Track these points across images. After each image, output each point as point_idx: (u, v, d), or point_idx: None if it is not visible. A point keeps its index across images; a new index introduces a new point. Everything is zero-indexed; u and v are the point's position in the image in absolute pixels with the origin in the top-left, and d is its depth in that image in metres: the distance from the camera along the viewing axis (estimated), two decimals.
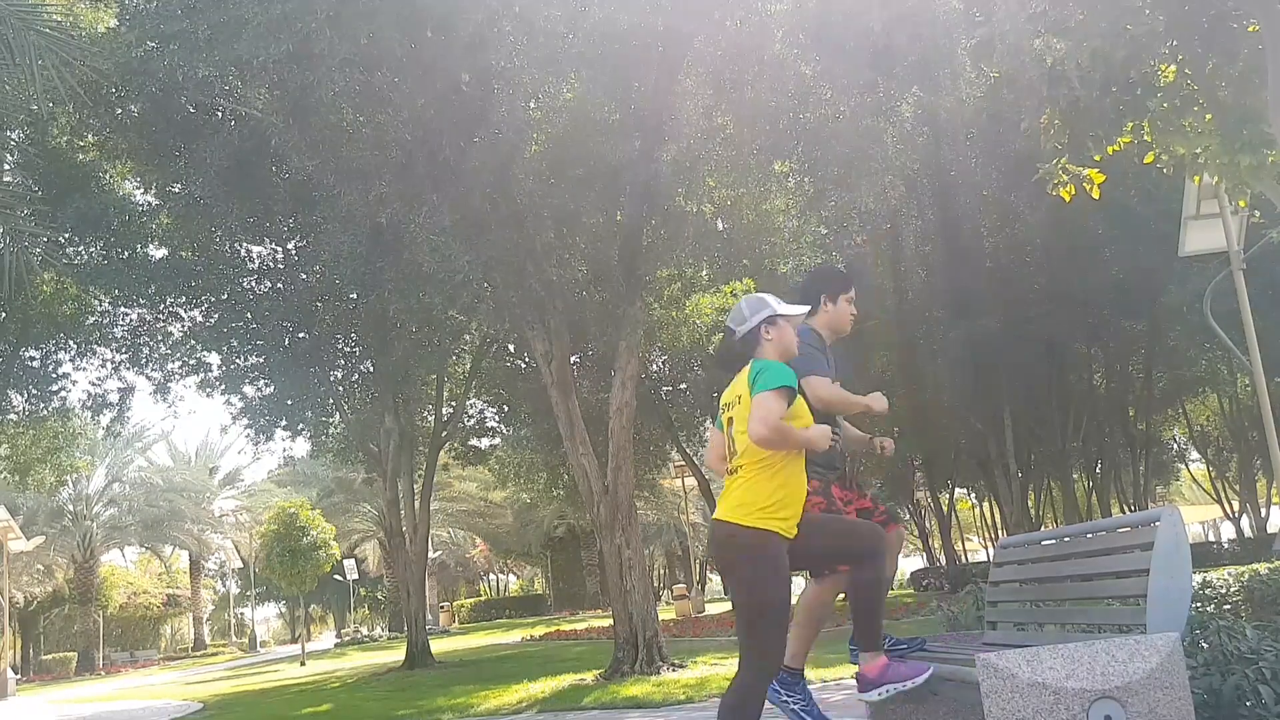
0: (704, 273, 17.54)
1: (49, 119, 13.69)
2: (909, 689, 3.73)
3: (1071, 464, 26.09)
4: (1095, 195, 7.08)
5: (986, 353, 19.61)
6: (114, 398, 16.40)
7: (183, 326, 16.21)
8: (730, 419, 3.78)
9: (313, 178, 11.93)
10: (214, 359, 16.36)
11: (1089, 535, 3.88)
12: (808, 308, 4.08)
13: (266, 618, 69.82)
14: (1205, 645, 3.98)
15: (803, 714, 4.10)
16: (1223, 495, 32.35)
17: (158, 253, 15.34)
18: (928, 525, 37.82)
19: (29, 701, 22.41)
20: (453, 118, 10.60)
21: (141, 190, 15.87)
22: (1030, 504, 25.65)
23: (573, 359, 15.31)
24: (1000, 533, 30.85)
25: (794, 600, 3.86)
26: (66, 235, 14.18)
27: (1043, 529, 23.53)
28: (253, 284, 16.03)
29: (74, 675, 38.72)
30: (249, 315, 15.53)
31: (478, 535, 50.06)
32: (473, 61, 10.61)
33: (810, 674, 8.30)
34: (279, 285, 15.98)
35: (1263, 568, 7.99)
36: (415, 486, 19.03)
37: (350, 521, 44.02)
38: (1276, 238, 10.39)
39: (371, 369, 17.44)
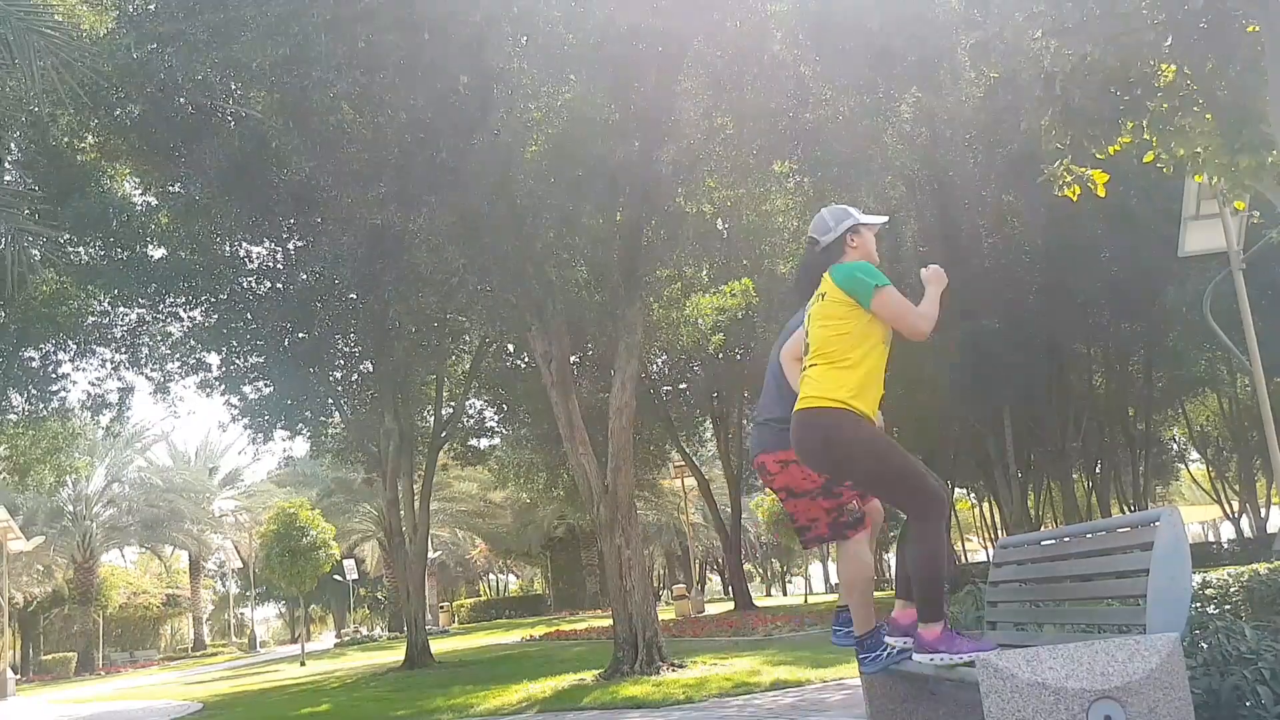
0: (704, 273, 17.56)
1: (49, 119, 13.70)
2: (961, 661, 3.47)
3: (1071, 464, 26.10)
4: (1101, 194, 7.09)
5: (986, 353, 19.62)
6: (113, 398, 16.42)
7: (183, 326, 16.22)
8: (810, 316, 3.86)
9: (312, 179, 11.94)
10: (214, 359, 16.39)
11: (1089, 535, 3.88)
12: (887, 218, 4.23)
13: (266, 618, 69.86)
14: (1205, 645, 3.98)
15: (895, 659, 3.98)
16: (1222, 495, 32.36)
17: (157, 253, 15.35)
18: None
19: (29, 702, 22.41)
20: (451, 119, 10.60)
21: (141, 190, 15.89)
22: (1030, 504, 25.66)
23: (573, 359, 15.32)
24: (1000, 533, 30.86)
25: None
26: (66, 235, 14.19)
27: (1042, 529, 23.53)
28: (253, 284, 16.04)
29: (74, 675, 38.71)
30: (249, 315, 15.54)
31: (477, 535, 50.06)
32: (471, 63, 10.61)
33: (810, 674, 8.32)
34: (279, 285, 15.99)
35: (1263, 568, 7.98)
36: (415, 487, 19.04)
37: (350, 521, 44.00)
38: (1276, 238, 10.40)
39: (371, 369, 17.45)
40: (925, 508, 3.58)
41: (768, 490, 4.50)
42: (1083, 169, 6.91)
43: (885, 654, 3.85)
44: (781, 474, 4.24)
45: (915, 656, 3.56)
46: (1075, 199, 7.24)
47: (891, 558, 63.88)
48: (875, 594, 4.06)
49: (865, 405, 3.65)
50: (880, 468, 3.60)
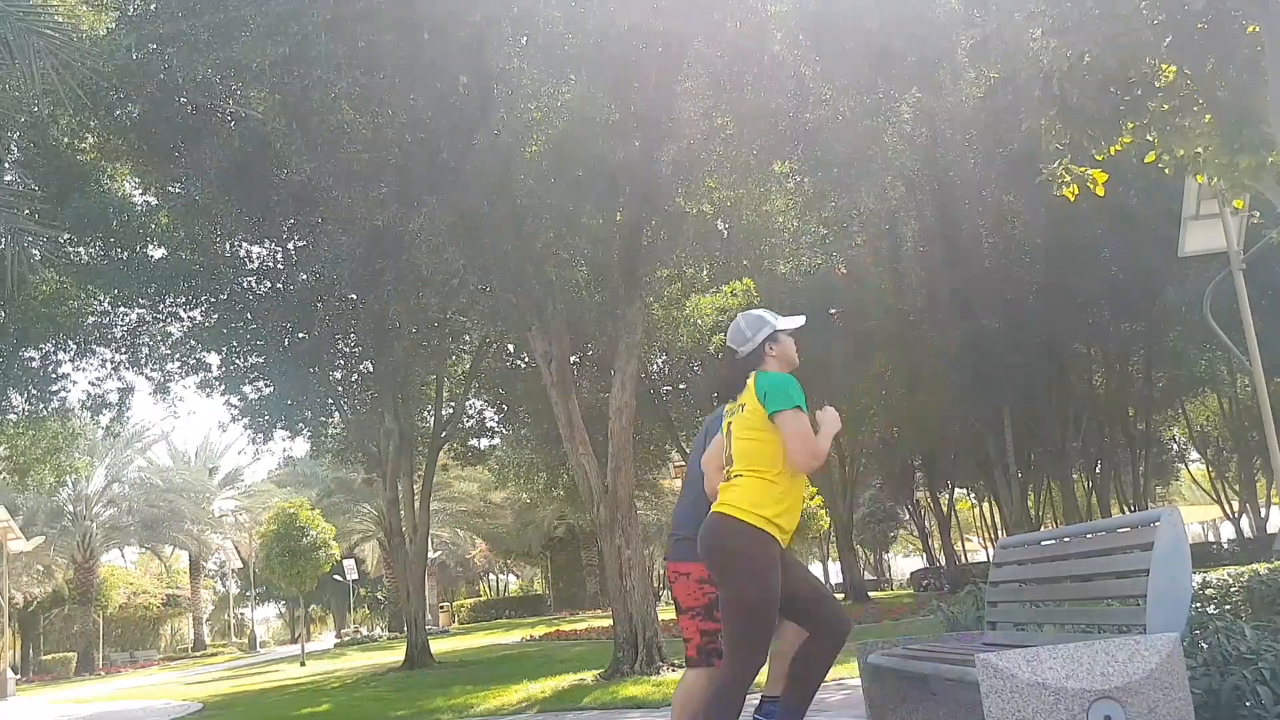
0: (704, 273, 17.56)
1: (49, 120, 13.71)
2: None
3: (1071, 464, 26.12)
4: (1100, 194, 7.09)
5: (986, 353, 19.62)
6: (113, 398, 16.42)
7: (183, 326, 16.22)
8: (729, 424, 3.79)
9: (312, 179, 11.94)
10: (214, 359, 16.39)
11: (1089, 535, 3.88)
12: (803, 318, 4.05)
13: (266, 618, 69.85)
14: (1205, 645, 3.98)
15: None
16: (1223, 495, 32.38)
17: (157, 253, 15.36)
18: (928, 525, 37.85)
19: (29, 702, 22.41)
20: (452, 119, 10.60)
21: (141, 190, 15.90)
22: (1030, 504, 25.66)
23: (573, 359, 15.32)
24: (1000, 533, 30.87)
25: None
26: (66, 235, 14.19)
27: (1042, 529, 23.55)
28: (253, 284, 16.04)
29: (74, 675, 38.71)
30: (249, 315, 15.54)
31: (478, 535, 50.07)
32: (472, 63, 10.61)
33: None
34: (279, 285, 15.99)
35: (1263, 568, 7.99)
36: (415, 487, 19.03)
37: (350, 521, 44.01)
38: (1276, 238, 10.39)
39: (371, 369, 17.45)
40: (746, 667, 3.52)
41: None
42: (1082, 169, 6.91)
43: None
44: (676, 584, 4.22)
45: None
46: (1073, 199, 7.24)
47: (892, 557, 63.91)
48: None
49: (784, 524, 3.59)
50: (744, 607, 3.52)
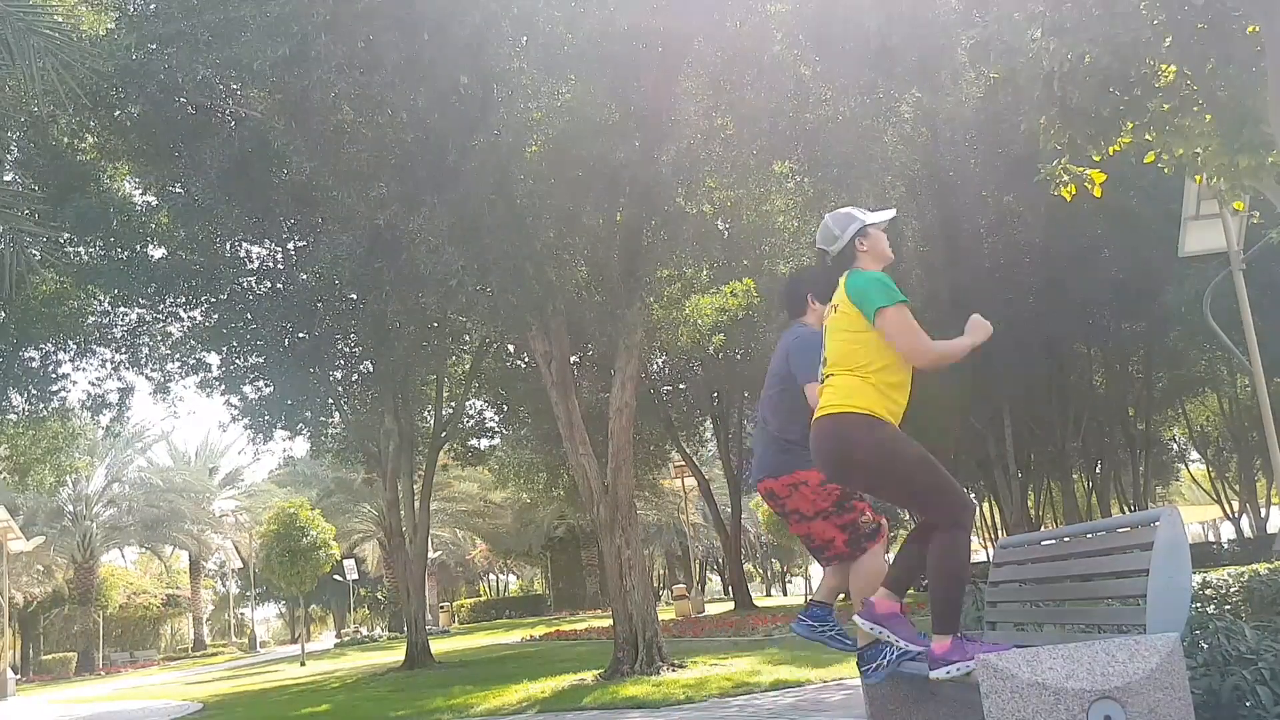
0: (704, 273, 17.53)
1: (49, 120, 13.70)
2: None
3: (1071, 464, 26.13)
4: (1097, 194, 7.09)
5: (986, 352, 19.58)
6: (113, 398, 16.41)
7: (182, 326, 16.21)
8: (826, 328, 3.76)
9: (312, 179, 11.93)
10: (214, 359, 16.37)
11: (1089, 535, 3.88)
12: (894, 211, 4.04)
13: (266, 618, 69.87)
14: (1205, 645, 3.99)
15: (840, 638, 4.12)
16: (1223, 495, 32.37)
17: (158, 253, 15.35)
18: None
19: (29, 702, 22.41)
20: (452, 119, 10.59)
21: (141, 190, 15.89)
22: (1030, 504, 25.67)
23: (573, 359, 15.31)
24: (1000, 533, 30.86)
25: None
26: (66, 235, 14.18)
27: (1043, 529, 23.54)
28: (252, 284, 16.03)
29: (74, 675, 38.72)
30: (249, 315, 15.53)
31: (478, 535, 50.07)
32: (472, 63, 10.60)
33: (810, 674, 8.32)
34: (279, 285, 15.98)
35: (1263, 568, 7.99)
36: (415, 487, 19.03)
37: (350, 522, 44.01)
38: (1276, 238, 10.39)
39: (371, 369, 17.44)
40: (956, 514, 3.43)
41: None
42: (1080, 169, 6.91)
43: (887, 661, 3.76)
44: (792, 497, 4.17)
45: (931, 672, 3.45)
46: (1070, 199, 7.24)
47: (892, 557, 63.65)
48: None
49: (887, 411, 3.53)
50: (906, 473, 3.46)
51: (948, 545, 3.45)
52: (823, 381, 3.69)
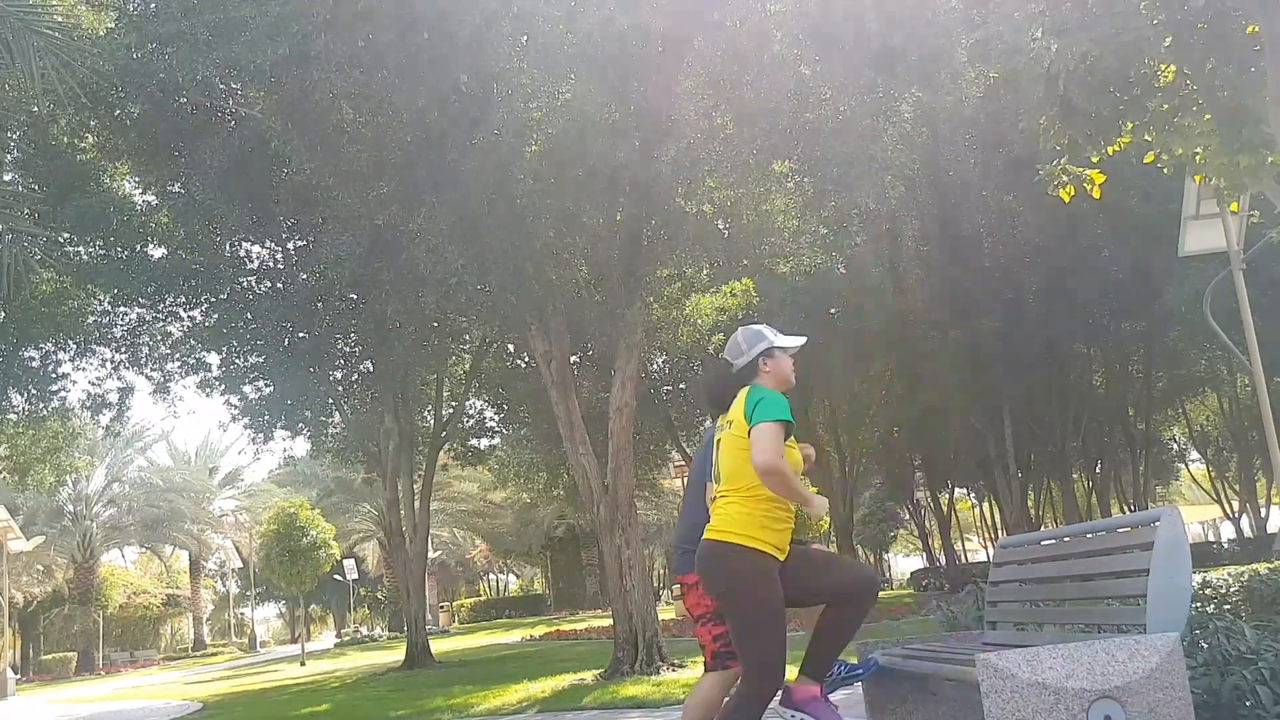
0: (704, 273, 17.52)
1: (49, 119, 13.70)
2: None
3: (1071, 464, 26.13)
4: (1096, 195, 7.09)
5: (986, 353, 19.63)
6: (113, 398, 16.41)
7: (183, 326, 16.21)
8: (719, 440, 3.78)
9: (312, 178, 11.93)
10: (214, 359, 16.37)
11: (1089, 535, 3.88)
12: (804, 339, 4.02)
13: (266, 618, 69.87)
14: (1205, 645, 3.98)
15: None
16: (1223, 495, 32.37)
17: (157, 252, 15.35)
18: (927, 525, 37.84)
19: (29, 701, 22.41)
20: (452, 119, 10.59)
21: (141, 190, 15.89)
22: (1030, 504, 25.67)
23: (573, 359, 15.31)
24: (1000, 533, 30.88)
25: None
26: (66, 235, 14.19)
27: (1043, 529, 23.55)
28: (252, 284, 16.03)
29: (74, 675, 38.72)
30: (249, 315, 15.52)
31: (478, 535, 50.07)
32: (472, 62, 10.61)
33: None
34: (279, 285, 15.98)
35: (1263, 568, 7.99)
36: (415, 486, 19.03)
37: (350, 521, 44.02)
38: (1276, 238, 10.39)
39: (371, 369, 17.44)
40: (762, 683, 3.51)
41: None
42: (1079, 169, 6.91)
43: None
44: (686, 596, 4.29)
45: (778, 706, 3.61)
46: (1068, 200, 7.24)
47: (892, 557, 63.84)
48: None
49: (775, 541, 3.58)
50: (750, 622, 3.53)
51: (741, 706, 3.53)
52: (716, 498, 3.72)
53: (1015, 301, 20.28)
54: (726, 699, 3.64)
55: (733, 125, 11.96)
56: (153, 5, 12.53)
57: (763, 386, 3.73)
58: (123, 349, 16.45)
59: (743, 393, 3.73)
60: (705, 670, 4.22)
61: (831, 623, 3.73)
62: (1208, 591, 7.29)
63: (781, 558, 3.60)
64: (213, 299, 15.54)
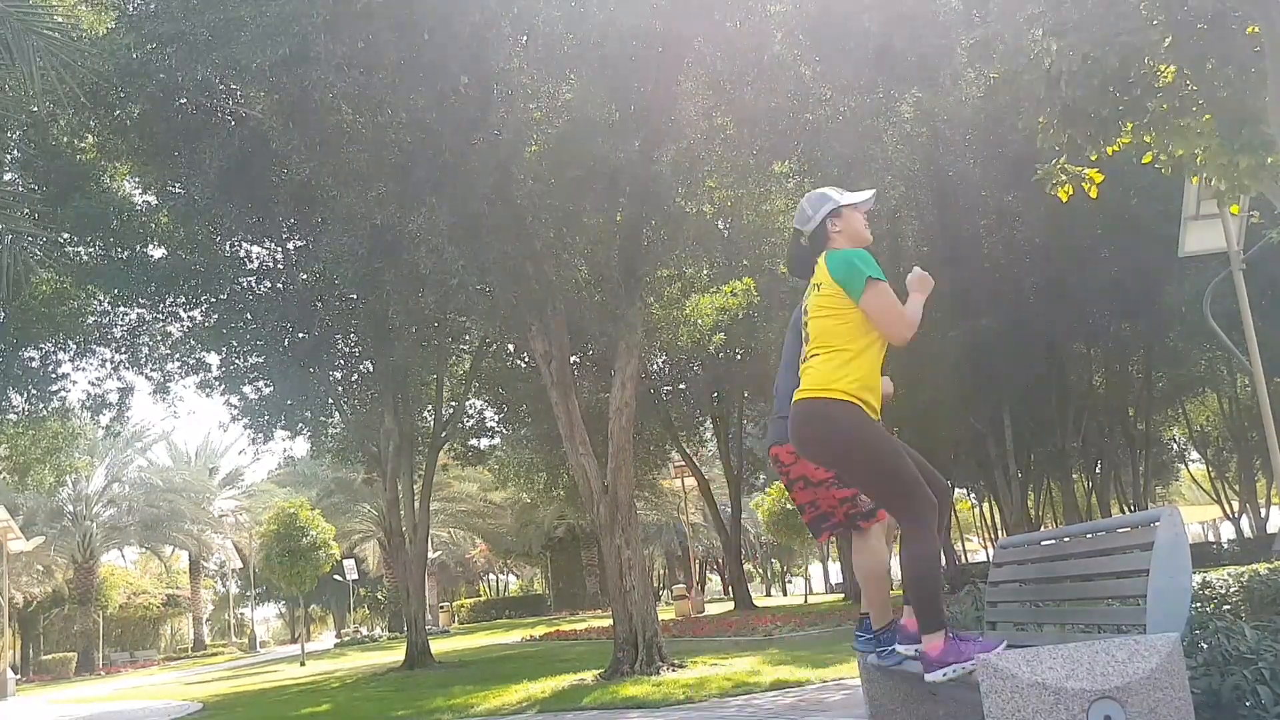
0: (704, 273, 17.54)
1: (49, 120, 13.70)
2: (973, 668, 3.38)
3: (1071, 464, 26.11)
4: (1093, 195, 7.09)
5: (986, 353, 19.62)
6: (113, 398, 16.41)
7: (182, 326, 16.22)
8: (806, 308, 3.77)
9: (312, 179, 11.93)
10: (214, 359, 16.38)
11: (1089, 535, 3.88)
12: (872, 192, 3.96)
13: (266, 618, 69.86)
14: (1205, 645, 3.98)
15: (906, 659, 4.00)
16: (1223, 495, 32.37)
17: (157, 253, 15.36)
18: None
19: (29, 701, 22.41)
20: (452, 119, 10.59)
21: (141, 190, 15.89)
22: (1030, 504, 25.66)
23: (573, 359, 15.31)
24: (1000, 533, 30.87)
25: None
26: (66, 235, 14.19)
27: (1042, 529, 23.55)
28: (252, 284, 16.04)
29: (74, 675, 38.71)
30: (249, 315, 15.53)
31: (478, 535, 50.08)
32: (471, 63, 10.60)
33: (810, 674, 8.32)
34: (279, 285, 15.99)
35: (1263, 568, 7.99)
36: (415, 487, 19.03)
37: (350, 522, 44.01)
38: (1276, 238, 10.39)
39: (371, 369, 17.44)
40: (915, 511, 3.46)
41: (768, 489, 4.40)
42: (1078, 168, 6.91)
43: (913, 657, 3.76)
44: (796, 464, 4.21)
45: (926, 676, 3.46)
46: (1066, 199, 7.24)
47: (892, 557, 63.77)
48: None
49: (869, 396, 3.57)
50: (873, 464, 3.50)
51: (914, 544, 3.47)
52: (805, 359, 3.71)
53: (1015, 301, 20.27)
54: (902, 548, 3.51)
55: (733, 126, 11.96)
56: (152, 5, 12.53)
57: (838, 249, 3.70)
58: (123, 349, 16.46)
59: (822, 258, 3.71)
60: (824, 535, 4.20)
61: (905, 556, 3.55)
62: (1208, 591, 7.28)
63: (875, 407, 3.58)
64: (213, 299, 15.54)
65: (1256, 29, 5.91)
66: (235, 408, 16.56)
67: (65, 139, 14.38)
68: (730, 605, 30.80)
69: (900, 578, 3.78)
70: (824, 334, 3.63)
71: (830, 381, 3.54)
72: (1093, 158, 6.75)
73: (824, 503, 4.22)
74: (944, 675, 3.41)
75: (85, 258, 14.93)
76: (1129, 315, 21.45)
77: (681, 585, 35.67)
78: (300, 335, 15.95)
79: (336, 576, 37.45)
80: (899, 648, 3.74)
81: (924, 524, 3.46)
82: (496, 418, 22.47)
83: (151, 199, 15.65)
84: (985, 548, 42.27)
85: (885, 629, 4.01)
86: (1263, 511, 34.38)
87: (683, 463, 28.90)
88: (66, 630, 44.98)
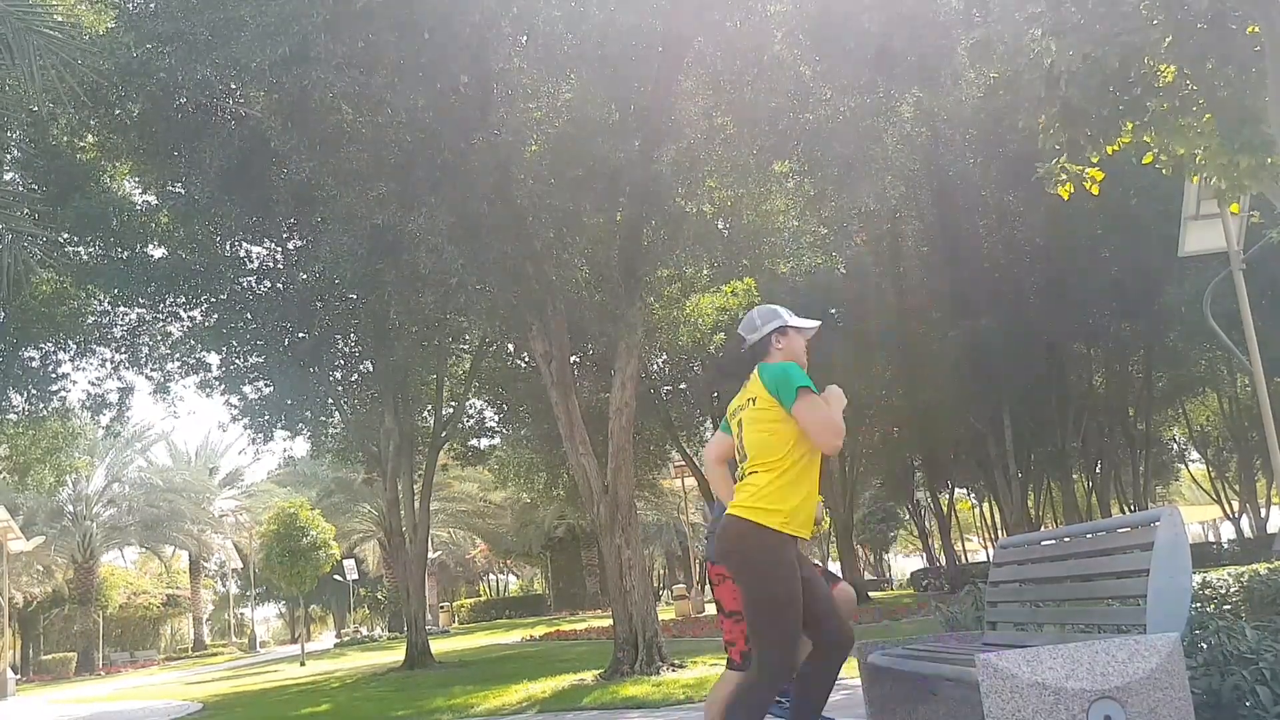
0: (704, 273, 17.53)
1: (49, 119, 13.69)
2: None
3: (1071, 464, 26.10)
4: (1094, 192, 7.08)
5: (986, 353, 19.62)
6: (113, 398, 16.41)
7: (182, 326, 16.21)
8: (740, 421, 3.80)
9: (312, 178, 11.93)
10: (214, 359, 16.37)
11: (1089, 535, 3.88)
12: (818, 323, 4.08)
13: (266, 618, 69.87)
14: (1205, 645, 3.98)
15: None
16: (1223, 495, 32.35)
17: (157, 252, 15.35)
18: (927, 525, 37.85)
19: (29, 701, 22.41)
20: (452, 119, 10.59)
21: (141, 190, 15.89)
22: (1030, 504, 25.65)
23: (573, 359, 15.31)
24: (1000, 533, 30.87)
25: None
26: (66, 235, 14.18)
27: (1043, 529, 23.54)
28: (253, 284, 16.03)
29: (74, 675, 38.72)
30: (249, 315, 15.53)
31: (478, 535, 50.07)
32: (471, 63, 10.61)
33: None
34: (279, 285, 15.98)
35: (1263, 568, 7.98)
36: (415, 487, 19.03)
37: (350, 521, 44.02)
38: (1276, 238, 10.39)
39: (371, 369, 17.44)
40: (771, 665, 3.51)
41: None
42: (1079, 167, 6.91)
43: None
44: (719, 586, 4.24)
45: None
46: (1067, 198, 7.23)
47: (892, 556, 63.86)
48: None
49: (800, 519, 3.60)
50: (765, 604, 3.53)
51: (750, 690, 3.52)
52: (744, 475, 3.73)
53: (1015, 301, 20.27)
54: (739, 684, 3.61)
55: (733, 126, 11.95)
56: (152, 5, 12.53)
57: (773, 363, 3.78)
58: (123, 349, 16.45)
59: (756, 371, 3.78)
60: (730, 668, 4.16)
61: (807, 674, 3.70)
62: (1208, 591, 7.28)
63: (805, 534, 3.62)
64: (213, 299, 15.54)
65: (1256, 29, 5.91)
66: (235, 408, 16.56)
67: (65, 138, 14.37)
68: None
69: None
70: (760, 449, 3.66)
71: (767, 504, 3.57)
72: (1094, 159, 6.75)
73: (727, 632, 4.22)
74: None
75: (85, 258, 14.92)
76: (1129, 315, 21.44)
77: (681, 585, 35.67)
78: (300, 335, 15.94)
79: (336, 576, 37.46)
80: None
81: (770, 681, 3.50)
82: (496, 418, 22.46)
83: (151, 199, 15.65)
84: (985, 548, 42.28)
85: None
86: (1263, 511, 34.35)
87: (683, 463, 28.86)
88: (66, 630, 44.98)
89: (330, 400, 17.32)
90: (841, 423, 3.62)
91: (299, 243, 15.74)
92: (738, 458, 3.82)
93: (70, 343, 16.10)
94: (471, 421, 22.06)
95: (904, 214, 19.36)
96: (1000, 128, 17.49)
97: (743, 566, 3.58)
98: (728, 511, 3.68)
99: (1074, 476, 27.90)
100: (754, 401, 3.73)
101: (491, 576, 65.99)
